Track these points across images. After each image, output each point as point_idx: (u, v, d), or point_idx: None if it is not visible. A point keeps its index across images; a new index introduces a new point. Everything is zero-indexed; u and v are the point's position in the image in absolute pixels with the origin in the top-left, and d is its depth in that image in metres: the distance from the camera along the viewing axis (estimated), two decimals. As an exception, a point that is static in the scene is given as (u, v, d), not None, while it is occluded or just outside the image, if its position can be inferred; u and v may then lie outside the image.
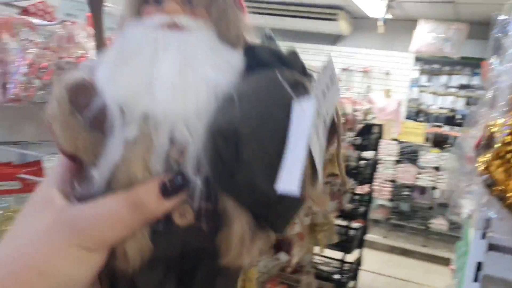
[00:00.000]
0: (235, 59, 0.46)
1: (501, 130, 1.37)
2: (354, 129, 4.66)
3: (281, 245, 3.13)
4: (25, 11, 1.49)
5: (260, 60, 0.47)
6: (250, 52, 0.48)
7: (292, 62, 0.48)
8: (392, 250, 6.32)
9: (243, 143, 0.40)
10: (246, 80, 0.45)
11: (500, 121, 1.41)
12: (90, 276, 0.41)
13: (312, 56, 8.18)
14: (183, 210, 0.41)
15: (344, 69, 8.11)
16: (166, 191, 0.40)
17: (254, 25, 0.50)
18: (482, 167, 1.36)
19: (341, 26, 7.70)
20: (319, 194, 0.44)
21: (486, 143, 1.41)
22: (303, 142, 0.40)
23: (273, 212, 0.43)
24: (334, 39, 8.40)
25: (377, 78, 7.93)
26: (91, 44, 1.50)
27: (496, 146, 1.35)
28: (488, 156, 1.35)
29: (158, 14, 0.45)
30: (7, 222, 1.49)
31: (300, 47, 8.28)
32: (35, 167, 1.53)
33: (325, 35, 8.24)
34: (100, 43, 0.49)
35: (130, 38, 0.45)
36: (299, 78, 0.46)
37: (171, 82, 0.42)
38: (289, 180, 0.39)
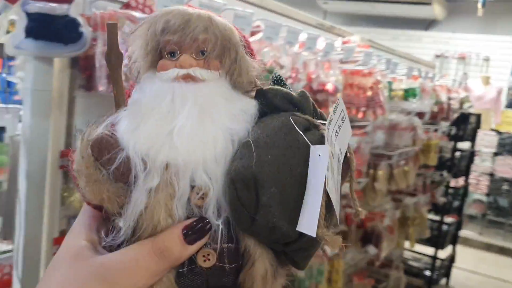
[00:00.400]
0: (249, 105, 0.48)
1: None
2: (449, 119, 4.42)
3: (370, 238, 3.05)
4: (126, 5, 1.56)
5: (272, 104, 0.49)
6: (262, 96, 0.50)
7: (302, 104, 0.50)
8: (489, 248, 5.94)
9: (261, 186, 0.42)
10: (260, 125, 0.47)
11: None
12: None
13: (403, 43, 7.85)
14: (206, 253, 0.43)
15: (437, 56, 7.68)
16: (190, 236, 0.42)
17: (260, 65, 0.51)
18: None
19: (435, 10, 7.28)
20: (332, 234, 0.44)
21: None
22: (320, 186, 0.43)
23: (293, 250, 0.45)
24: (427, 24, 7.98)
25: (474, 64, 7.43)
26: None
27: None
28: None
29: (173, 67, 0.47)
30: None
31: (390, 33, 8.00)
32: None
33: (417, 20, 7.85)
34: (120, 102, 0.50)
35: (148, 91, 0.47)
36: (311, 120, 0.48)
37: (189, 131, 0.44)
38: (308, 222, 0.42)
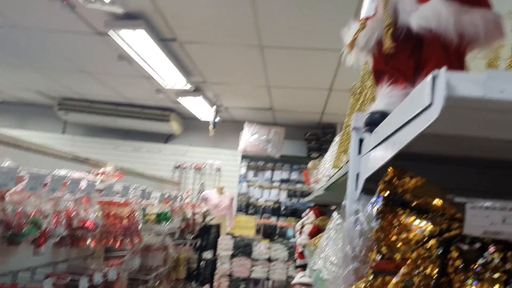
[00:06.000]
0: None
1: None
2: (194, 232, 4.82)
3: None
4: None
5: None
6: None
7: None
8: None
9: None
10: None
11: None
12: None
13: (145, 154, 8.30)
14: None
15: (176, 167, 8.36)
16: None
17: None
18: None
19: (173, 126, 8.04)
20: None
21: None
22: None
23: None
24: (166, 137, 8.68)
25: (209, 174, 8.34)
26: None
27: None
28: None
29: None
30: None
31: (133, 145, 8.36)
32: None
33: (157, 134, 8.48)
34: None
35: None
36: None
37: None
38: None
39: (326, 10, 3.66)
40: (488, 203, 0.65)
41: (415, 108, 0.55)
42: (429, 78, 0.50)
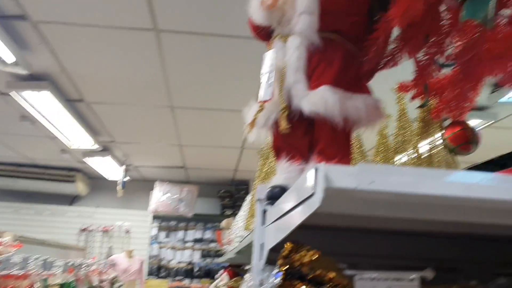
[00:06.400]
0: None
1: None
2: (101, 301, 4.54)
3: None
4: None
5: None
6: None
7: None
8: None
9: None
10: None
11: None
12: None
13: (48, 217, 7.80)
14: None
15: (83, 230, 7.93)
16: None
17: None
18: None
19: (79, 187, 7.69)
20: None
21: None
22: None
23: None
24: (71, 199, 8.25)
25: (118, 236, 7.99)
26: None
27: None
28: None
29: None
30: None
31: (35, 208, 7.84)
32: None
33: (62, 196, 8.03)
34: None
35: None
36: None
37: None
38: None
39: (234, 74, 3.82)
40: (374, 275, 0.72)
41: (303, 193, 0.61)
42: (312, 170, 0.57)
